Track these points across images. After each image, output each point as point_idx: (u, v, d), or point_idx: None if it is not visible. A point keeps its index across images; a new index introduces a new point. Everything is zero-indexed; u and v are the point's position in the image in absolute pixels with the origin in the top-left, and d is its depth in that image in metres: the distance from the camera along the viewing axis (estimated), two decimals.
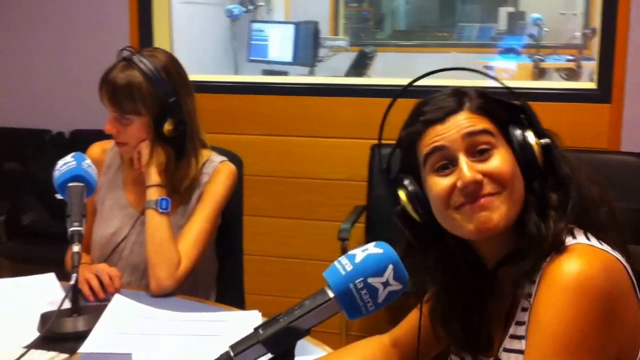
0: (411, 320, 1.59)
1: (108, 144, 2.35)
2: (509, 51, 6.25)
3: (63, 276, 2.20)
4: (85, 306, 1.91)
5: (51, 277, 2.20)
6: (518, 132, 1.38)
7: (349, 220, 3.31)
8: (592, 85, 3.41)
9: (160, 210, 2.14)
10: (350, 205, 3.57)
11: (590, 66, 5.88)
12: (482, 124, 1.37)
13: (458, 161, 1.35)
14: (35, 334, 1.82)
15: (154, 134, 2.16)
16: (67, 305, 1.93)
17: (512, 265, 1.35)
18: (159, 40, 4.02)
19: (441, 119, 1.38)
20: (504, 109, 1.42)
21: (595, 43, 6.12)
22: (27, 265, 3.42)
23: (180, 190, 2.21)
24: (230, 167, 2.29)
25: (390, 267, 1.14)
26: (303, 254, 3.83)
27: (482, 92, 1.43)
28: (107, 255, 2.23)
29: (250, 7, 6.18)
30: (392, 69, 6.59)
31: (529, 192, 1.36)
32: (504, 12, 7.91)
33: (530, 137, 1.37)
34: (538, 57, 5.87)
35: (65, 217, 1.87)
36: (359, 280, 1.12)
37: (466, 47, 7.29)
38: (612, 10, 3.32)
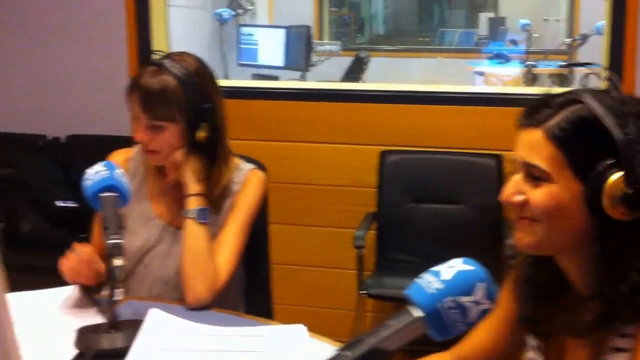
0: (479, 335, 1.54)
1: (130, 152, 2.27)
2: (497, 57, 6.26)
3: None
4: (122, 321, 1.84)
5: (75, 289, 2.13)
6: (596, 174, 1.25)
7: (363, 228, 3.27)
8: None
9: (199, 221, 2.07)
10: (355, 212, 3.53)
11: (581, 72, 5.92)
12: (543, 155, 1.29)
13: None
14: (70, 350, 1.76)
15: (187, 141, 2.10)
16: (99, 319, 1.89)
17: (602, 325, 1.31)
18: (158, 44, 3.95)
19: (523, 126, 1.35)
20: (602, 142, 1.26)
21: (583, 50, 6.18)
22: (26, 275, 3.31)
23: (213, 199, 2.15)
24: (260, 175, 2.23)
25: (481, 285, 1.11)
26: (307, 260, 3.77)
27: (578, 120, 1.29)
28: (134, 267, 2.17)
29: (240, 11, 6.12)
30: (384, 74, 6.57)
31: (600, 241, 1.28)
32: (484, 17, 7.94)
33: (613, 181, 1.24)
34: (530, 62, 5.85)
35: (103, 229, 1.81)
36: (448, 299, 1.09)
37: (452, 52, 7.31)
38: (620, 12, 3.24)
